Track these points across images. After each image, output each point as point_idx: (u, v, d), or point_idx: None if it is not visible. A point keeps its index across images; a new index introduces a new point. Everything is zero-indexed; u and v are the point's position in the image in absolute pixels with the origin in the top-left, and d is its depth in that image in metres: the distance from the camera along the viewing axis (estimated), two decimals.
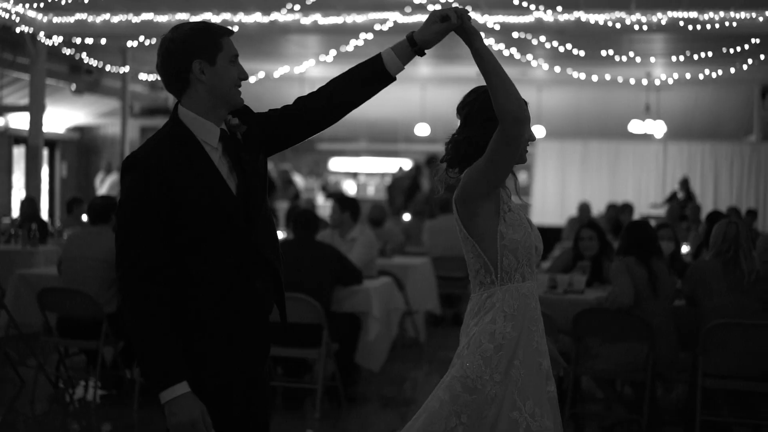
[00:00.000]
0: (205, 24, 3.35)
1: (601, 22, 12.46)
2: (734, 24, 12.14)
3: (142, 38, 13.95)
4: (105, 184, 18.77)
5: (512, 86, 3.36)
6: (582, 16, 12.51)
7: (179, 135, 3.28)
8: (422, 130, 21.04)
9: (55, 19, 13.66)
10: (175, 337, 3.17)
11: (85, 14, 13.56)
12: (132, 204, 3.20)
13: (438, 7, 12.28)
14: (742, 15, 12.12)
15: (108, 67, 16.09)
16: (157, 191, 3.17)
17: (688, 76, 16.44)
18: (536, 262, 3.55)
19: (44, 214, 17.25)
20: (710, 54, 14.00)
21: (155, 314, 3.16)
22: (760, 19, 12.04)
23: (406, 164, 22.64)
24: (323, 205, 19.50)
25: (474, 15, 12.64)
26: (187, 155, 3.25)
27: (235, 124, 3.39)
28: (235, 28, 13.09)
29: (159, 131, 3.34)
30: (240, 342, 3.33)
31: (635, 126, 19.25)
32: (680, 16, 12.30)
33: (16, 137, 17.44)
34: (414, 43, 3.63)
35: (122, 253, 3.22)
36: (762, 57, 14.00)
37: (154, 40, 13.82)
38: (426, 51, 3.66)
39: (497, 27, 12.72)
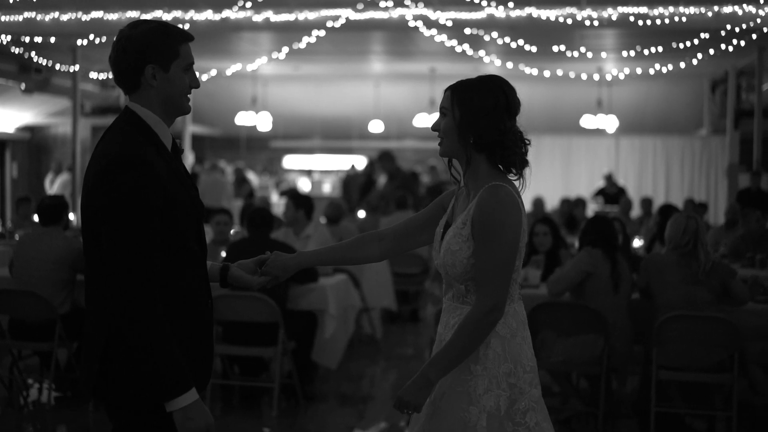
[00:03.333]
0: (166, 28, 3.28)
1: (553, 18, 12.53)
2: (683, 19, 12.25)
3: (92, 36, 13.82)
4: (55, 184, 18.58)
5: (473, 340, 3.30)
6: (534, 11, 12.56)
7: (147, 135, 3.23)
8: (376, 126, 21.05)
9: (3, 18, 13.50)
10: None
11: (34, 12, 13.42)
12: (134, 204, 3.06)
13: (390, 3, 12.31)
14: (691, 10, 12.24)
15: (58, 66, 15.93)
16: (155, 192, 3.10)
17: (639, 71, 16.57)
18: (446, 279, 3.47)
19: None
20: (660, 49, 14.12)
21: (163, 321, 3.07)
22: (709, 14, 12.16)
23: (360, 161, 22.65)
24: (278, 203, 19.45)
25: (426, 12, 12.67)
26: (161, 157, 3.21)
27: (178, 141, 3.40)
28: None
29: (122, 130, 3.24)
30: (200, 350, 3.31)
31: (587, 121, 19.40)
32: (630, 12, 12.39)
33: None
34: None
35: (123, 256, 3.05)
36: (711, 51, 14.15)
37: (104, 39, 13.71)
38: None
39: (449, 23, 12.74)
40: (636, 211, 16.43)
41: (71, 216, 9.08)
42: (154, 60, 3.21)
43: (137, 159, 3.10)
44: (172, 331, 3.10)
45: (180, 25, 3.35)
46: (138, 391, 3.14)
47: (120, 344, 3.12)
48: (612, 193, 18.02)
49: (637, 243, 10.36)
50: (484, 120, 3.36)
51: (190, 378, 3.11)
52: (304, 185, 24.42)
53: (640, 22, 12.36)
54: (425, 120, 18.97)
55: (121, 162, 3.09)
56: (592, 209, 16.88)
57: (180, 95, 3.29)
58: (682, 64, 15.41)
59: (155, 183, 3.10)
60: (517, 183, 3.46)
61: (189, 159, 19.46)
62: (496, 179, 3.36)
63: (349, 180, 19.54)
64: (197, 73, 3.41)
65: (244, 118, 20.02)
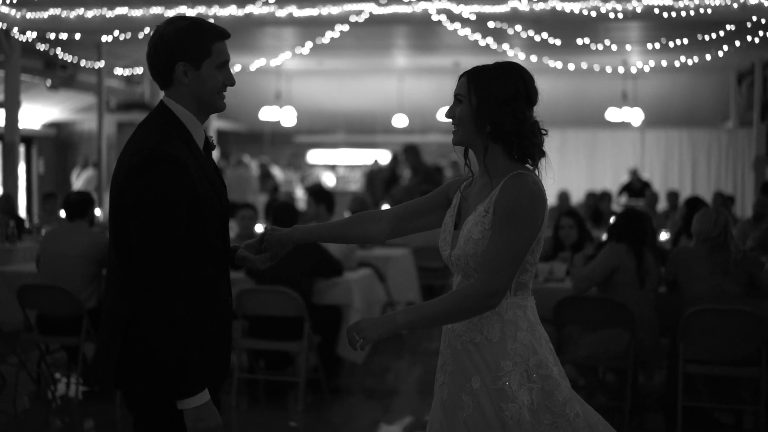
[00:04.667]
0: (199, 25, 3.28)
1: (577, 11, 12.47)
2: (709, 11, 12.17)
3: (116, 33, 13.87)
4: (80, 180, 18.67)
5: (462, 306, 3.23)
6: (557, 4, 12.51)
7: (179, 132, 3.24)
8: (400, 120, 21.04)
9: (29, 15, 13.57)
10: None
11: (59, 9, 13.48)
12: (162, 201, 3.07)
13: None
14: (717, 2, 12.15)
15: (83, 62, 16.00)
16: (184, 189, 3.11)
17: (664, 63, 16.48)
18: (464, 270, 3.36)
19: (22, 211, 17.15)
20: (686, 41, 14.04)
21: (184, 320, 3.09)
22: (735, 5, 12.08)
23: (384, 156, 22.66)
24: (302, 198, 19.48)
25: (450, 5, 12.64)
26: (192, 154, 3.22)
27: (210, 136, 3.41)
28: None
29: (155, 125, 3.26)
30: (218, 347, 3.33)
31: (612, 114, 19.32)
32: (655, 4, 12.32)
33: None
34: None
35: (149, 252, 3.06)
36: (737, 43, 14.06)
37: (129, 35, 13.75)
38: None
39: (473, 17, 12.71)
40: (662, 205, 16.35)
41: (97, 211, 9.12)
42: (185, 58, 3.22)
43: (167, 155, 3.11)
44: (192, 330, 3.12)
45: (225, 31, 3.34)
46: (155, 385, 3.16)
47: (139, 337, 3.13)
48: (637, 188, 17.93)
49: (663, 236, 10.31)
50: (502, 108, 3.26)
51: (205, 379, 3.12)
52: (329, 180, 24.45)
53: (665, 14, 12.29)
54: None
55: (151, 158, 3.10)
56: (617, 205, 16.81)
57: (212, 93, 3.29)
58: (708, 56, 15.31)
59: (184, 180, 3.11)
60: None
61: (214, 154, 19.50)
62: (518, 168, 3.30)
63: (373, 174, 19.54)
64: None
65: (268, 113, 20.05)
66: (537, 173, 3.36)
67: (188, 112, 3.27)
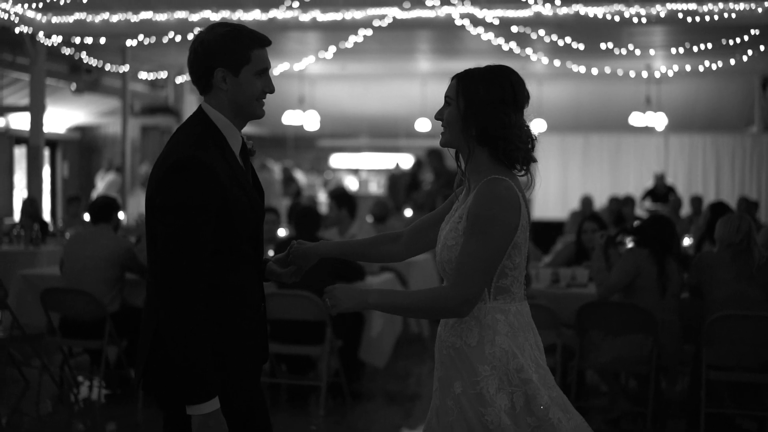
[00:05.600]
0: (239, 32, 3.29)
1: (600, 15, 12.43)
2: (733, 15, 12.11)
3: (141, 37, 13.92)
4: (102, 183, 18.73)
5: (428, 304, 3.25)
6: (581, 9, 12.48)
7: (215, 138, 3.26)
8: (423, 125, 21.02)
9: (54, 19, 13.64)
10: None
11: (84, 14, 13.55)
12: (188, 206, 3.10)
13: (436, 1, 12.28)
14: (741, 6, 12.09)
15: (108, 67, 16.07)
16: (211, 194, 3.12)
17: (688, 68, 16.41)
18: (444, 276, 3.38)
19: (46, 214, 17.24)
20: (710, 46, 13.97)
21: (200, 326, 3.11)
22: (759, 10, 12.02)
23: (407, 160, 22.61)
24: (325, 202, 19.49)
25: (473, 10, 12.63)
26: (226, 160, 3.24)
27: (248, 142, 3.41)
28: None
29: (190, 130, 3.28)
30: (250, 353, 3.36)
31: (636, 119, 19.23)
32: (679, 8, 12.27)
33: (17, 138, 17.42)
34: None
35: (171, 256, 3.10)
36: (762, 48, 13.98)
37: (153, 39, 13.81)
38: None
39: (496, 21, 12.70)
40: (685, 210, 16.28)
41: (121, 215, 9.17)
42: (223, 64, 3.24)
43: (197, 161, 3.13)
44: (212, 336, 3.14)
45: (266, 38, 3.35)
46: (173, 389, 3.19)
47: (162, 341, 3.17)
48: (662, 192, 17.85)
49: (686, 242, 10.27)
50: (488, 112, 3.25)
51: (217, 387, 3.14)
52: (351, 184, 24.46)
53: (689, 19, 12.24)
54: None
55: (180, 163, 3.13)
56: (641, 209, 16.74)
57: (250, 100, 3.30)
58: (732, 61, 15.23)
59: (212, 186, 3.12)
60: (525, 179, 3.38)
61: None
62: (498, 173, 3.28)
63: (396, 179, 19.53)
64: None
65: (291, 118, 20.07)
66: (528, 179, 3.38)
67: (225, 118, 3.29)
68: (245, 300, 3.31)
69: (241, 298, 3.29)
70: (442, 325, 3.41)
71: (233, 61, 3.24)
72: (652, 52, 15.42)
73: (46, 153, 18.33)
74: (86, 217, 10.82)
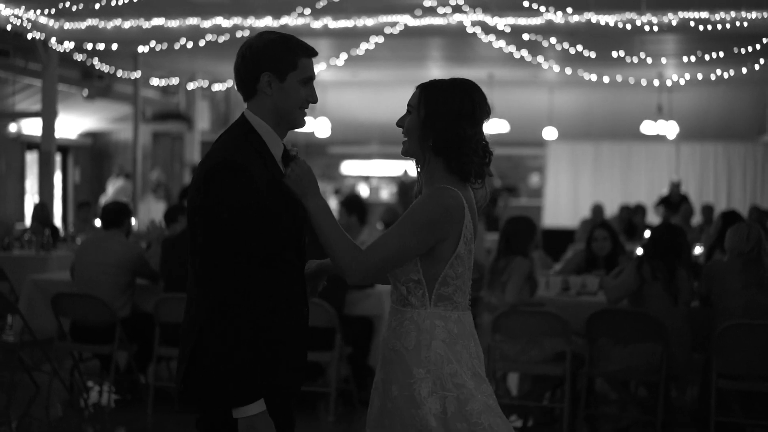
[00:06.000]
0: (288, 40, 3.32)
1: (612, 23, 12.43)
2: (745, 24, 12.10)
3: (153, 43, 13.98)
4: (111, 189, 18.77)
5: (337, 244, 3.27)
6: (593, 17, 12.48)
7: (255, 143, 3.28)
8: None
9: (67, 25, 13.70)
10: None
11: (97, 20, 13.60)
12: (225, 209, 3.12)
13: (448, 9, 12.29)
14: (754, 15, 12.08)
15: (119, 73, 16.13)
16: (249, 198, 3.14)
17: (699, 76, 16.39)
18: (391, 281, 3.43)
19: (57, 220, 17.29)
20: (722, 54, 13.95)
21: (241, 327, 3.12)
22: None
23: (412, 168, 22.58)
24: (336, 209, 19.50)
25: (485, 17, 12.64)
26: (265, 166, 3.26)
27: (293, 149, 3.42)
28: (246, 33, 13.13)
29: (231, 135, 3.30)
30: (291, 358, 3.37)
31: (647, 127, 19.21)
32: (691, 17, 12.26)
33: (29, 143, 17.49)
34: None
35: (209, 258, 3.14)
36: None
37: (165, 45, 13.85)
38: None
39: (508, 29, 12.70)
40: (696, 219, 16.23)
41: (133, 221, 9.19)
42: (270, 68, 3.26)
43: (235, 165, 3.15)
44: (254, 338, 3.15)
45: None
46: (217, 392, 3.17)
47: (204, 344, 3.17)
48: (676, 201, 17.79)
49: (697, 250, 10.25)
50: (445, 123, 3.30)
51: (261, 389, 3.14)
52: (363, 191, 24.46)
53: (701, 27, 12.23)
54: (484, 126, 18.87)
55: (219, 167, 3.16)
56: (657, 214, 16.70)
57: (293, 107, 3.32)
58: (744, 70, 15.20)
59: (250, 189, 3.15)
60: (482, 192, 3.42)
61: None
62: (451, 184, 3.31)
63: (405, 186, 19.53)
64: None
65: None
66: (485, 192, 3.43)
67: (267, 124, 3.30)
68: (288, 306, 3.33)
69: (285, 305, 3.31)
70: (386, 328, 3.45)
71: (280, 66, 3.27)
72: (663, 60, 15.41)
73: (58, 158, 18.38)
74: (97, 222, 10.85)
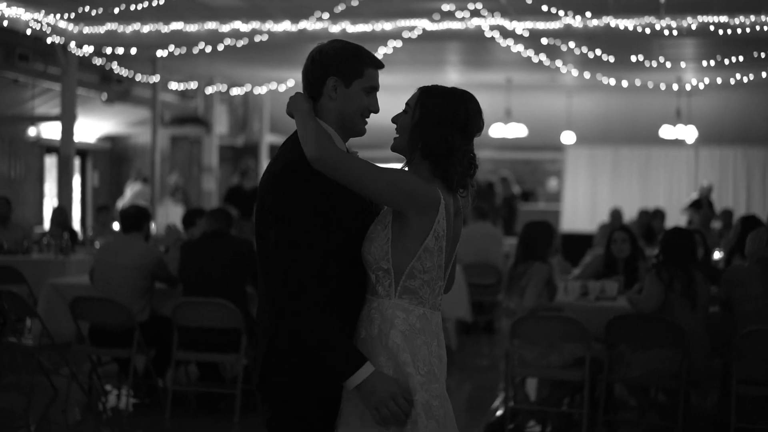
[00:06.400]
0: (358, 49, 3.42)
1: (631, 28, 12.39)
2: (765, 28, 12.04)
3: (171, 47, 14.01)
4: (129, 193, 18.82)
5: (315, 132, 3.32)
6: (611, 21, 12.44)
7: None
8: None
9: (86, 30, 13.74)
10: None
11: (116, 24, 13.64)
12: (299, 207, 3.22)
13: (466, 13, 12.28)
14: None
15: (138, 77, 16.18)
16: (321, 198, 3.24)
17: (719, 80, 16.32)
18: (367, 271, 3.45)
19: (76, 224, 17.34)
20: (741, 58, 13.89)
21: (323, 311, 3.21)
22: None
23: None
24: None
25: (503, 21, 12.62)
26: None
27: (354, 151, 3.52)
28: (264, 37, 13.14)
29: (297, 138, 3.38)
30: None
31: (666, 131, 19.14)
32: (710, 21, 12.21)
33: (48, 147, 17.54)
34: None
35: (285, 254, 3.21)
36: None
37: (183, 50, 13.89)
38: None
39: (526, 33, 12.68)
40: (716, 223, 16.15)
41: (152, 225, 9.21)
42: (337, 73, 3.37)
43: (303, 166, 3.25)
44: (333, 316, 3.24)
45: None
46: (297, 383, 3.29)
47: (280, 337, 3.28)
48: (704, 206, 17.68)
49: (717, 255, 10.19)
50: (436, 129, 3.35)
51: (361, 354, 3.22)
52: None
53: (720, 32, 12.17)
54: (501, 130, 18.87)
55: (292, 167, 3.27)
56: (683, 220, 16.63)
57: (356, 113, 3.43)
58: (764, 74, 15.13)
59: (322, 190, 3.25)
60: (465, 201, 3.47)
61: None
62: (432, 184, 3.36)
63: None
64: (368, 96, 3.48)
65: None
66: (468, 201, 3.49)
67: (330, 127, 3.40)
68: (355, 305, 3.39)
69: (345, 302, 3.36)
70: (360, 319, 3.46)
71: (347, 72, 3.37)
72: (683, 64, 15.35)
73: (77, 162, 18.45)
74: (116, 226, 10.87)
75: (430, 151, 3.36)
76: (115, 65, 15.34)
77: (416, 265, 3.32)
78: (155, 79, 16.21)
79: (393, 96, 20.81)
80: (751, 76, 15.59)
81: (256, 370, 3.39)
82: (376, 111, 3.48)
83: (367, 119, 3.47)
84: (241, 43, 13.26)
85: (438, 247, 3.34)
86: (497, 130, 19.25)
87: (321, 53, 3.39)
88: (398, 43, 13.13)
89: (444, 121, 3.36)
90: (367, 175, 3.28)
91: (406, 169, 3.46)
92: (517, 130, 18.95)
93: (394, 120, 3.50)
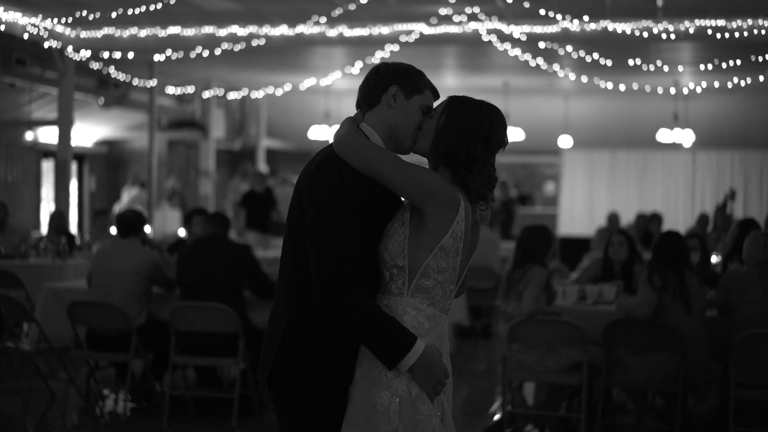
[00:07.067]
0: (421, 72, 3.51)
1: (628, 31, 12.40)
2: (763, 31, 12.05)
3: (169, 52, 14.01)
4: (126, 198, 18.83)
5: (340, 128, 3.46)
6: (609, 25, 12.45)
7: None
8: None
9: (83, 34, 13.74)
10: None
11: (113, 28, 13.64)
12: (338, 199, 3.27)
13: (463, 17, 12.28)
14: None
15: (135, 81, 16.17)
16: (358, 193, 3.29)
17: (716, 84, 16.34)
18: (381, 269, 3.50)
19: (73, 228, 17.33)
20: (739, 62, 13.91)
21: (366, 298, 3.27)
22: None
23: None
24: None
25: (500, 25, 12.63)
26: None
27: None
28: (262, 41, 13.14)
29: None
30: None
31: (663, 135, 19.16)
32: (708, 24, 12.22)
33: (45, 151, 17.55)
34: None
35: (326, 246, 3.25)
36: None
37: (181, 54, 13.88)
38: None
39: (523, 37, 12.69)
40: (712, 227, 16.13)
41: (148, 229, 9.21)
42: (400, 83, 3.44)
43: (342, 163, 3.33)
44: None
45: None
46: (310, 378, 3.34)
47: (295, 333, 3.36)
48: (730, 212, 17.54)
49: (714, 259, 10.19)
50: (459, 138, 3.38)
51: (410, 332, 3.25)
52: None
53: (718, 35, 12.18)
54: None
55: (331, 162, 3.34)
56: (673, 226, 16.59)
57: (408, 128, 3.46)
58: (761, 78, 15.17)
59: (360, 185, 3.30)
60: (485, 213, 3.51)
61: (264, 169, 19.62)
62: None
63: None
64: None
65: (317, 132, 20.12)
66: (488, 214, 3.52)
67: (378, 136, 3.45)
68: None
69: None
70: None
71: (410, 85, 3.45)
72: (680, 68, 15.37)
73: (74, 167, 18.45)
74: (113, 230, 10.85)
75: (450, 158, 3.39)
76: (112, 69, 15.33)
77: (431, 264, 3.33)
78: (152, 83, 16.21)
79: None
80: (749, 80, 15.61)
81: (264, 365, 3.43)
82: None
83: (414, 136, 3.48)
84: (238, 48, 13.26)
85: (455, 249, 3.35)
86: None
87: (387, 65, 3.49)
88: (395, 47, 13.13)
89: (467, 131, 3.39)
90: (391, 166, 3.32)
91: None
92: (514, 134, 18.95)
93: (419, 123, 3.51)
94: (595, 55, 13.68)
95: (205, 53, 13.55)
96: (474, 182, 3.39)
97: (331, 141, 3.49)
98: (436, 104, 3.52)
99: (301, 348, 3.35)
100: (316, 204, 3.28)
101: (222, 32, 13.39)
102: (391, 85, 3.43)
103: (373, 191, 3.33)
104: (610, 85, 16.09)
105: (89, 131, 19.05)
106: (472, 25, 12.71)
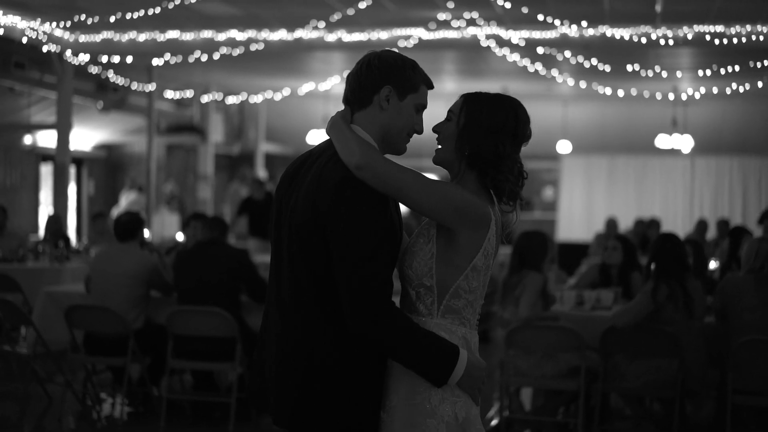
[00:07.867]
0: (414, 64, 3.30)
1: (627, 37, 12.42)
2: (761, 38, 12.07)
3: (168, 56, 14.02)
4: (124, 202, 18.81)
5: (347, 144, 3.16)
6: (607, 30, 12.47)
7: None
8: None
9: (82, 38, 13.75)
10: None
11: (112, 33, 13.65)
12: (368, 217, 3.06)
13: (462, 23, 12.28)
14: None
15: (134, 85, 16.18)
16: (384, 216, 3.10)
17: (715, 90, 16.36)
18: (402, 285, 3.37)
19: (71, 232, 17.32)
20: (737, 68, 13.92)
21: (401, 314, 3.11)
22: None
23: None
24: None
25: (499, 31, 12.64)
26: None
27: None
28: (260, 46, 13.13)
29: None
30: None
31: (662, 141, 19.17)
32: (707, 30, 12.24)
33: (44, 155, 17.55)
34: None
35: (355, 258, 3.03)
36: None
37: (179, 58, 13.89)
38: None
39: (522, 43, 12.70)
40: (711, 233, 16.15)
41: (146, 233, 9.20)
42: (394, 83, 3.22)
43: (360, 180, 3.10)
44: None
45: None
46: (344, 411, 3.13)
47: (324, 365, 3.12)
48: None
49: (712, 265, 10.18)
50: (485, 136, 3.20)
51: (450, 342, 3.11)
52: None
53: (717, 41, 12.20)
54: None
55: (346, 180, 3.09)
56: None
57: (402, 129, 3.29)
58: (760, 84, 15.17)
59: (384, 202, 3.10)
60: (511, 216, 3.31)
61: (263, 175, 19.61)
62: (482, 199, 3.21)
63: None
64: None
65: (316, 137, 20.11)
66: (515, 215, 3.31)
67: (371, 139, 3.25)
68: None
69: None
70: None
71: (404, 84, 3.23)
72: (678, 74, 15.38)
73: (72, 171, 18.45)
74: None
75: (477, 158, 3.21)
76: (111, 74, 15.34)
77: (462, 284, 3.17)
78: (151, 87, 16.21)
79: None
80: (747, 86, 15.62)
81: (287, 401, 3.19)
82: (420, 132, 3.35)
83: (410, 139, 3.34)
84: (236, 52, 13.27)
85: (486, 266, 3.20)
86: (432, 128, 19.25)
87: (379, 59, 3.23)
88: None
89: (493, 128, 3.20)
90: (417, 186, 3.12)
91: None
92: None
93: (436, 129, 3.35)
94: (594, 61, 13.70)
95: (204, 57, 13.56)
96: (506, 181, 3.21)
97: (327, 137, 3.32)
98: (433, 103, 3.38)
99: (335, 382, 3.13)
100: (348, 230, 3.05)
101: (221, 37, 13.40)
102: (383, 85, 3.19)
103: (390, 206, 3.16)
104: (608, 91, 16.11)
105: (88, 135, 19.06)
106: (471, 31, 12.72)
